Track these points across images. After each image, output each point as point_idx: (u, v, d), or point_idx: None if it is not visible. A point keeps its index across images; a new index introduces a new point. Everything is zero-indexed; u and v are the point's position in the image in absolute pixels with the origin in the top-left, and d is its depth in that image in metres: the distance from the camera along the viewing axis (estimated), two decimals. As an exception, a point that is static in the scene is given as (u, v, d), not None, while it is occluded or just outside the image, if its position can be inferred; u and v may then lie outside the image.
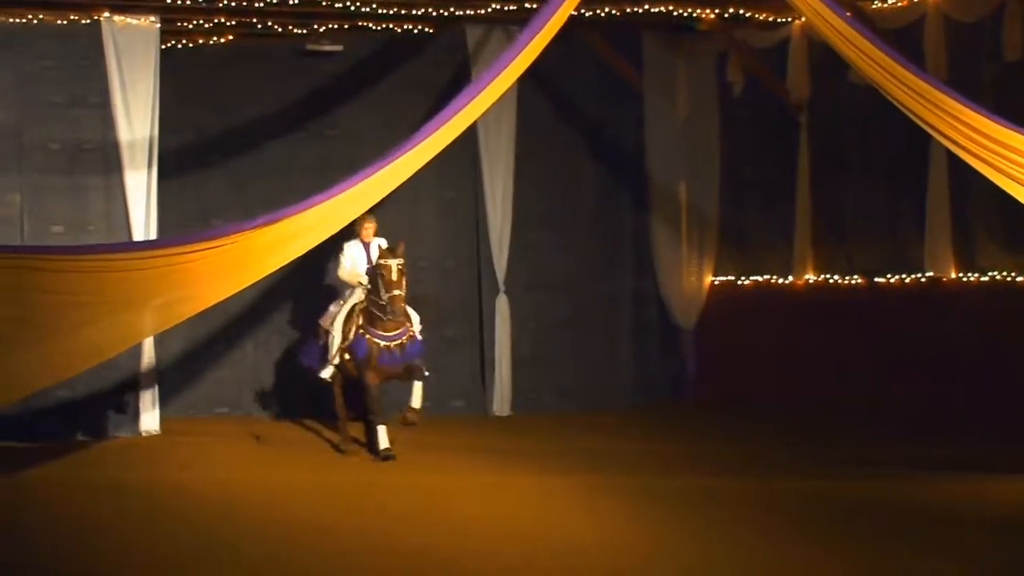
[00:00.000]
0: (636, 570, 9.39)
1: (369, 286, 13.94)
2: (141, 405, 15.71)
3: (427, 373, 14.12)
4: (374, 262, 13.96)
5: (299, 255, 12.87)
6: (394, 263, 13.59)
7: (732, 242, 18.48)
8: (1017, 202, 12.07)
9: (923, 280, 16.06)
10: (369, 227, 14.37)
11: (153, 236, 15.58)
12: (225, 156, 17.03)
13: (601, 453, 14.21)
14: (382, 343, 13.76)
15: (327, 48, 16.79)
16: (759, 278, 18.04)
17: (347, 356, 14.11)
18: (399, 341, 13.78)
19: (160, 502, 11.95)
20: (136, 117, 15.56)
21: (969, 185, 15.01)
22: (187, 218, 16.50)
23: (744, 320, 17.94)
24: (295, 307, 17.10)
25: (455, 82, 16.92)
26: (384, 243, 14.23)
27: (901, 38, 15.14)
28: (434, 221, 17.46)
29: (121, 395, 15.71)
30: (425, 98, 16.77)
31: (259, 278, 13.11)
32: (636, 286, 18.48)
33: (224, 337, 17.06)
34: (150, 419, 15.73)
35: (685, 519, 10.83)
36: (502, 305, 17.43)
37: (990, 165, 11.99)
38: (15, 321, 10.97)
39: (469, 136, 16.80)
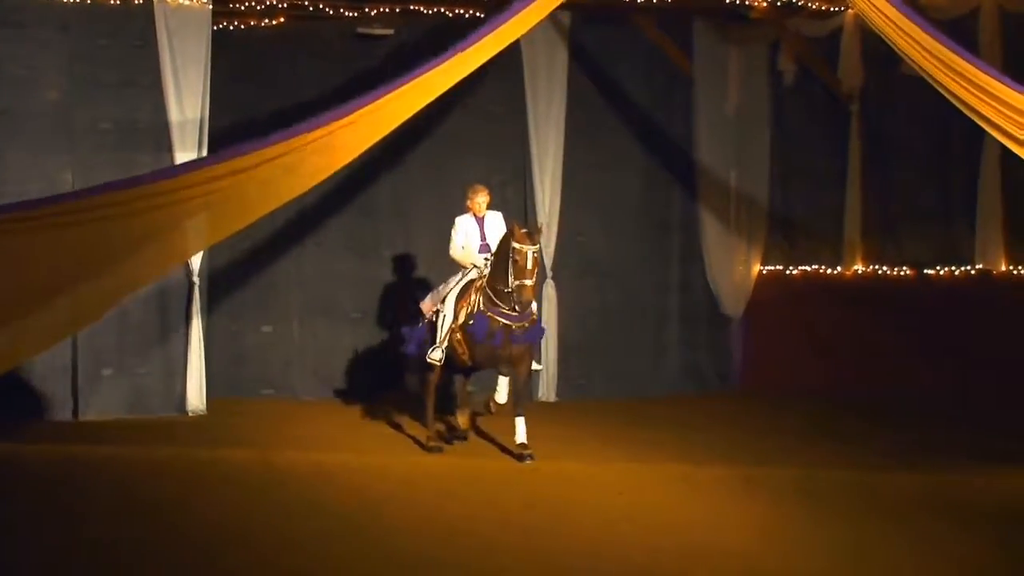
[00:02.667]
0: (671, 558, 9.39)
1: (487, 270, 13.11)
2: (188, 384, 15.76)
3: (538, 366, 13.91)
4: (508, 242, 12.72)
5: (318, 181, 12.84)
6: (530, 250, 12.53)
7: (781, 232, 18.42)
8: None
9: (973, 273, 15.98)
10: (482, 200, 13.52)
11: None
12: (275, 138, 17.04)
13: (645, 441, 14.19)
14: (503, 321, 12.87)
15: (378, 32, 16.81)
16: (808, 268, 17.98)
17: (458, 337, 13.25)
18: (522, 323, 12.92)
19: (200, 480, 12.02)
20: (187, 98, 15.61)
21: (1022, 177, 14.90)
22: (236, 198, 16.56)
23: (792, 310, 17.88)
24: (343, 289, 17.17)
25: (505, 65, 16.91)
26: (500, 217, 13.57)
27: (954, 29, 14.99)
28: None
29: (167, 374, 15.77)
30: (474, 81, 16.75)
31: (277, 206, 12.93)
32: (684, 274, 18.41)
33: (271, 318, 17.13)
34: (196, 399, 15.79)
35: (726, 507, 10.84)
36: (549, 292, 17.38)
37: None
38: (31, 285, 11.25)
39: (518, 120, 16.94)
